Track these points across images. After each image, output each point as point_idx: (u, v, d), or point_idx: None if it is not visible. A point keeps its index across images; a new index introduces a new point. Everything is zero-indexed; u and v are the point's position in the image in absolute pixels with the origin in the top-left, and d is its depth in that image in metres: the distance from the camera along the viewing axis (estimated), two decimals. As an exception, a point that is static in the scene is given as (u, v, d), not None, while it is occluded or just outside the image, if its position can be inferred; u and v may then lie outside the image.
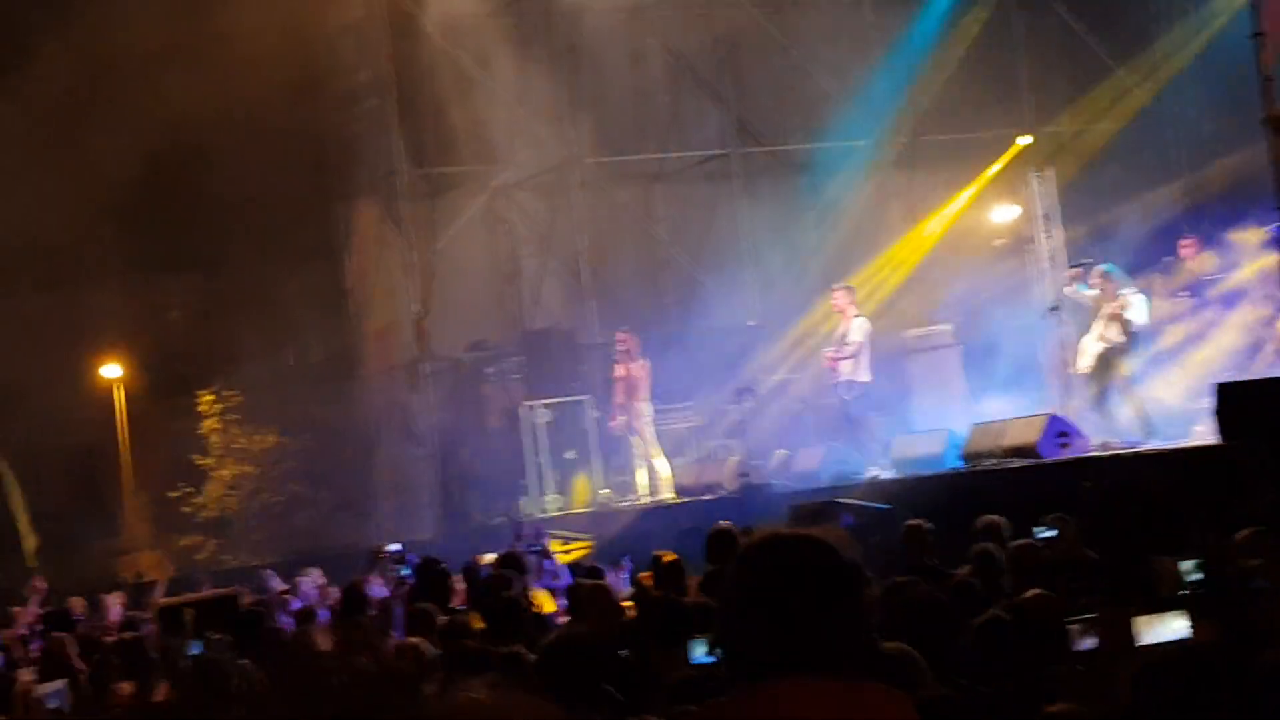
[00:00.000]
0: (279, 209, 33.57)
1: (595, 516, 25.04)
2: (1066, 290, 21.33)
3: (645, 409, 25.42)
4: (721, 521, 13.69)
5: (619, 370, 25.65)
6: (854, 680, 3.93)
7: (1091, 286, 20.63)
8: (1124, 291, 20.29)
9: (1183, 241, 25.51)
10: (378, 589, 16.61)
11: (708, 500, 22.99)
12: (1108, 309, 20.25)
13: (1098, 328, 20.35)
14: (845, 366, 23.82)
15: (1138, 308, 20.22)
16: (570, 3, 29.54)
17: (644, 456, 25.57)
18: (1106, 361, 20.21)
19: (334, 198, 32.03)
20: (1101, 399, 20.34)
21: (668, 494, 25.05)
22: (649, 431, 25.48)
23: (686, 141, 31.29)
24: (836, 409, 24.49)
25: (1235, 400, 17.20)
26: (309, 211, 33.14)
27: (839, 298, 24.19)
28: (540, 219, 30.57)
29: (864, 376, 23.90)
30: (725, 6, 29.60)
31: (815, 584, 3.97)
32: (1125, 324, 20.12)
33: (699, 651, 7.04)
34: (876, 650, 7.04)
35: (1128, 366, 20.20)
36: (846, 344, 23.77)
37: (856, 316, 24.04)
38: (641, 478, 25.69)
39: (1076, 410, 21.44)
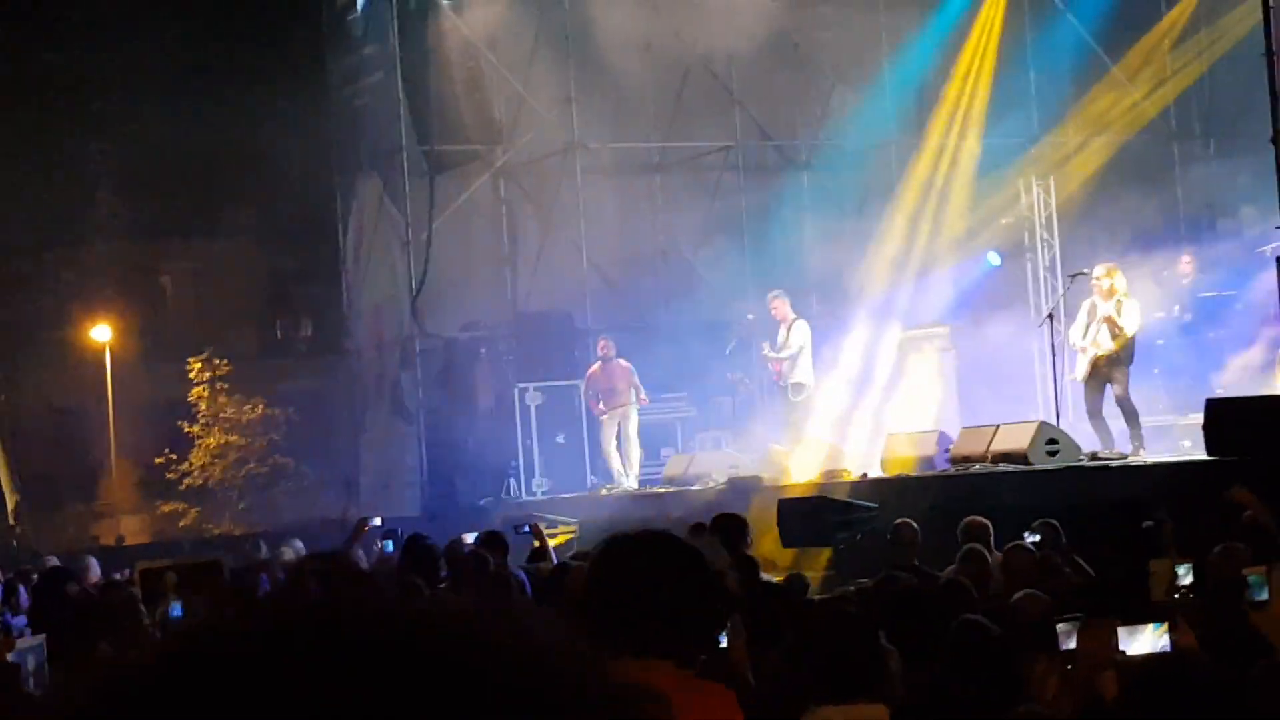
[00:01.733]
0: (278, 179, 33.56)
1: (582, 503, 25.06)
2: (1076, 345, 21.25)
3: (631, 411, 25.90)
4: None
5: (594, 369, 26.10)
6: (693, 671, 4.36)
7: (1093, 287, 20.57)
8: (1121, 297, 20.25)
9: (1183, 258, 25.58)
10: (358, 561, 16.59)
11: (696, 491, 23.02)
12: (1103, 312, 20.21)
13: (1093, 332, 20.31)
14: (786, 368, 24.53)
15: (1132, 315, 20.19)
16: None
17: (622, 445, 26.05)
18: (1101, 370, 20.18)
19: (334, 171, 31.97)
20: (1096, 408, 20.33)
21: (631, 486, 25.61)
22: (630, 426, 25.95)
23: (692, 132, 31.22)
24: (790, 410, 24.84)
25: (1225, 417, 17.23)
26: (308, 183, 33.11)
27: (777, 305, 24.81)
28: (541, 202, 30.53)
29: (807, 379, 24.60)
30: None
31: (664, 579, 4.30)
32: (1121, 333, 20.09)
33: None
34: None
35: (1123, 376, 20.17)
36: (789, 345, 24.49)
37: (796, 321, 24.67)
38: (616, 465, 26.03)
39: (1068, 419, 21.45)
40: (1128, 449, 19.80)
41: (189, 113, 34.57)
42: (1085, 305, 20.79)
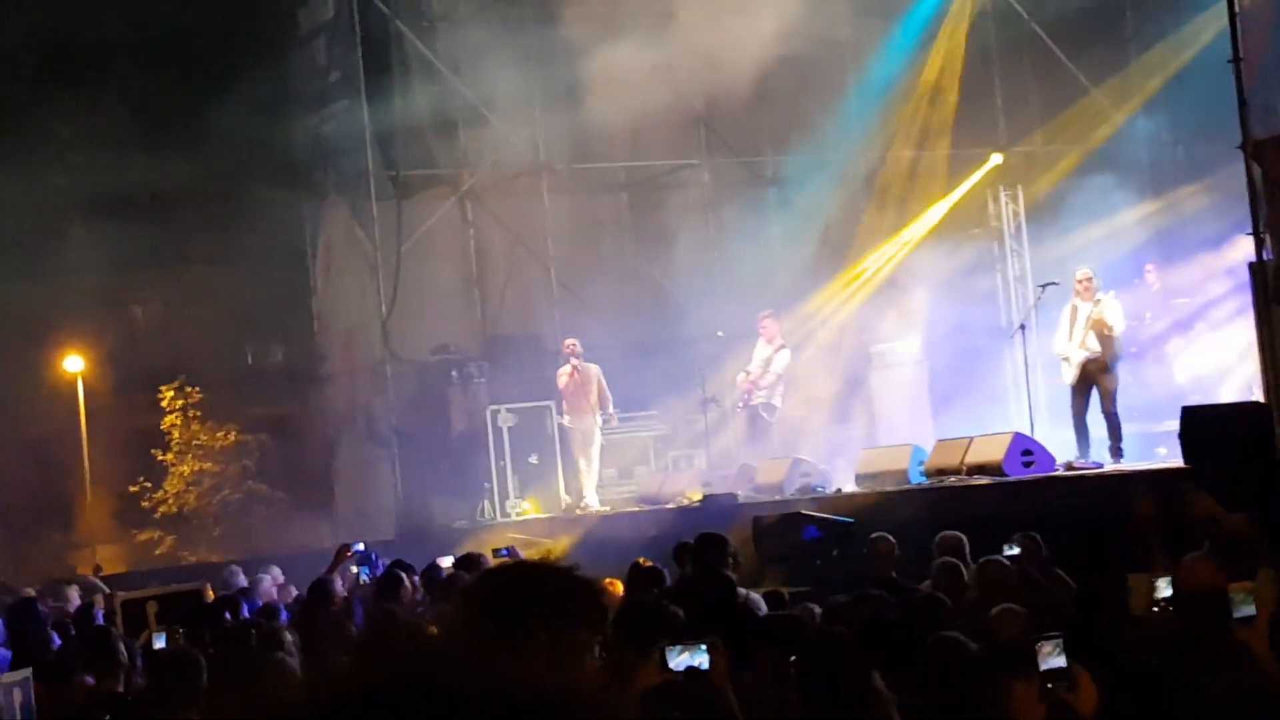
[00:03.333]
0: (247, 207, 33.50)
1: (556, 522, 25.01)
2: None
3: (593, 420, 25.75)
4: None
5: (565, 374, 25.99)
6: None
7: (1075, 292, 20.71)
8: (1101, 296, 20.34)
9: (1148, 266, 25.68)
10: (338, 587, 16.55)
11: (670, 509, 23.00)
12: (1084, 313, 20.29)
13: (1078, 336, 20.38)
14: (763, 391, 24.81)
15: (1114, 312, 20.26)
16: (545, 7, 29.54)
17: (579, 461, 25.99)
18: (1089, 374, 20.26)
19: (302, 197, 31.95)
20: (1081, 413, 20.38)
21: (585, 508, 25.50)
22: (593, 448, 25.90)
23: (659, 151, 31.22)
24: (762, 429, 24.91)
25: (1200, 424, 17.26)
26: (277, 210, 33.07)
27: (768, 324, 25.00)
28: (509, 224, 30.52)
29: (779, 403, 25.03)
30: (701, 17, 29.54)
31: (534, 611, 4.23)
32: (1105, 330, 20.16)
33: (679, 659, 6.99)
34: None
35: (1111, 381, 20.26)
36: (770, 372, 24.80)
37: (783, 348, 25.04)
38: (584, 479, 26.02)
39: (1042, 429, 21.48)
40: (1104, 459, 19.83)
41: (155, 143, 34.51)
42: (1065, 311, 20.85)
